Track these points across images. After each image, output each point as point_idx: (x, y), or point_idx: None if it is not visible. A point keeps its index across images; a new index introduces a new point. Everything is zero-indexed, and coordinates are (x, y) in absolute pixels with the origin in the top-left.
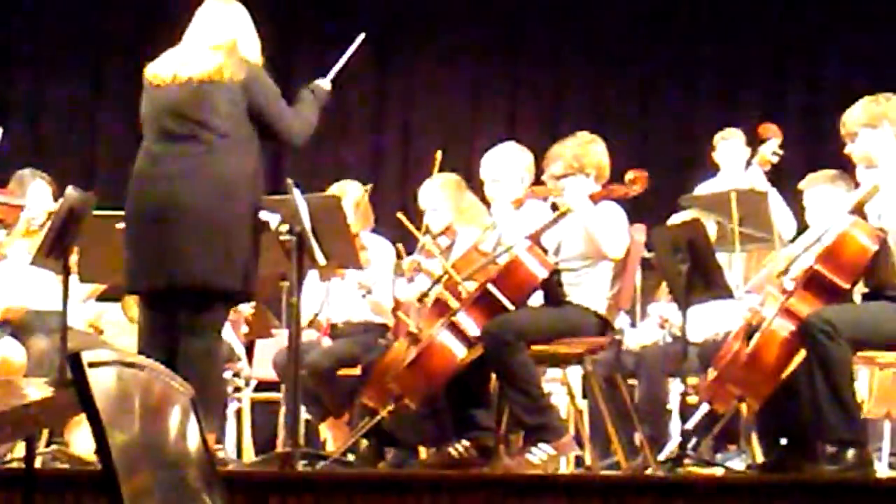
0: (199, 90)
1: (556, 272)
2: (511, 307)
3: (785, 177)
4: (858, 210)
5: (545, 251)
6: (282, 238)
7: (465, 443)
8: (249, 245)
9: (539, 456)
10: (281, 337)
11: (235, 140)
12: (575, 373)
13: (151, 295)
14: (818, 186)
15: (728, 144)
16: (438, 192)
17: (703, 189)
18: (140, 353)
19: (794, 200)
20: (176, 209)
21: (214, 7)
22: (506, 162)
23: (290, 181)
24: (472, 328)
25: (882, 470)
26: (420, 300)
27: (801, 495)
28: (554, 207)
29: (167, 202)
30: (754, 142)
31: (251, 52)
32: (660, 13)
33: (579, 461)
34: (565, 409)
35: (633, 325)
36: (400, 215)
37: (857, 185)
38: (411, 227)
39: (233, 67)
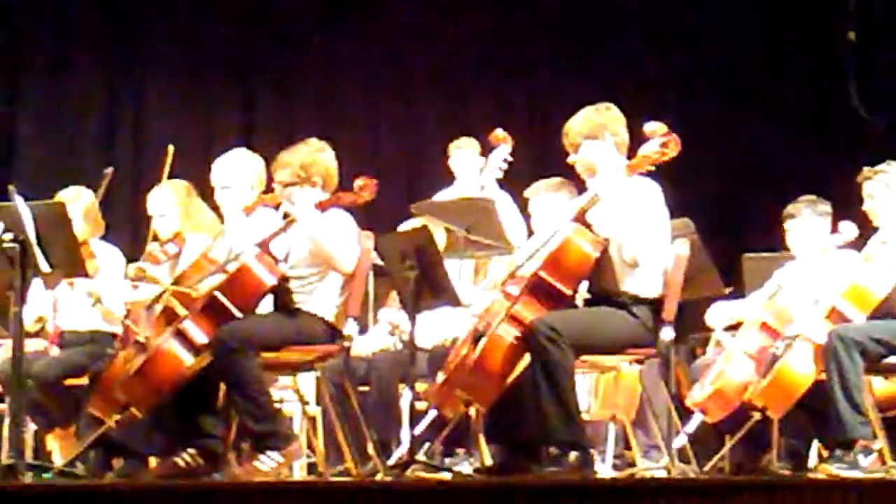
0: None
1: (285, 279)
2: (239, 314)
3: (520, 184)
4: (581, 218)
5: (275, 259)
6: (4, 246)
7: (193, 451)
8: None
9: (268, 463)
10: (5, 347)
11: None
12: (306, 379)
13: None
14: (543, 194)
15: (462, 153)
16: (167, 198)
17: (439, 197)
18: None
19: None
20: None
21: None
22: (235, 169)
23: (11, 187)
24: (200, 336)
25: (605, 471)
26: (147, 308)
27: (526, 498)
28: (285, 215)
29: None
30: (488, 150)
31: None
32: (384, 20)
33: (312, 468)
34: (298, 416)
35: (364, 331)
36: None
37: (581, 192)
38: None
39: None
